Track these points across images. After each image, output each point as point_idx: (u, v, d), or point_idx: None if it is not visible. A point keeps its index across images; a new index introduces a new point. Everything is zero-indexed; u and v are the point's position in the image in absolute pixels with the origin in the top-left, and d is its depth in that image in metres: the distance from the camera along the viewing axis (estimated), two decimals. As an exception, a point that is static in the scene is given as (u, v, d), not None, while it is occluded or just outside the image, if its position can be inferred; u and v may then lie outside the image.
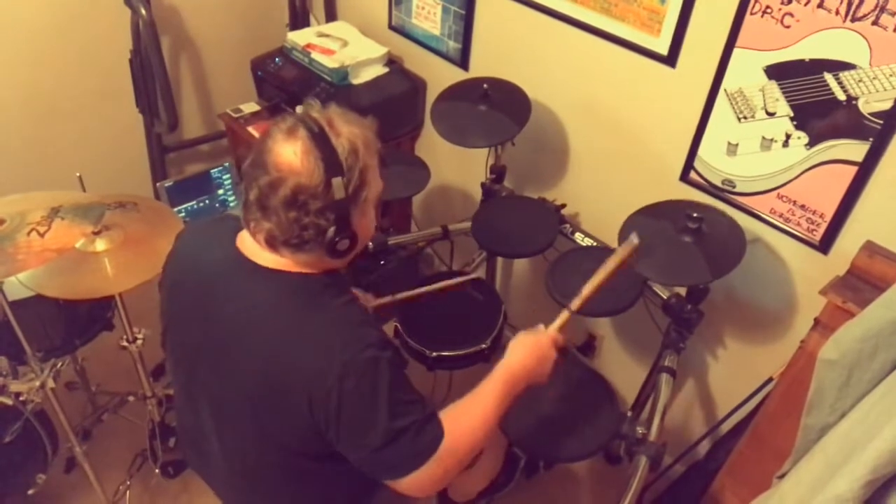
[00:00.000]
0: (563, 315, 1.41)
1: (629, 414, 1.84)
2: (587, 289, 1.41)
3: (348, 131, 1.08)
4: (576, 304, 1.41)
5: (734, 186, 1.67)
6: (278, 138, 1.06)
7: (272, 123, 1.11)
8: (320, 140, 1.04)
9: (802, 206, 1.56)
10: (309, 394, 1.06)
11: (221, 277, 1.16)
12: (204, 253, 1.21)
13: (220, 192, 2.57)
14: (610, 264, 1.41)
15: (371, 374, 1.05)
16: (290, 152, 1.04)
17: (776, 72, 1.49)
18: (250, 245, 1.14)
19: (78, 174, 1.70)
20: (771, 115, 1.54)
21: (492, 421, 1.20)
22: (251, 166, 1.09)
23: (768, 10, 1.45)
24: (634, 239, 1.43)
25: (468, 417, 1.18)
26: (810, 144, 1.50)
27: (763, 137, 1.57)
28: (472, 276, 1.89)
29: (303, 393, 1.06)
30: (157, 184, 2.52)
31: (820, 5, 1.37)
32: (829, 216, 1.52)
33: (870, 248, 1.40)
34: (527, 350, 1.29)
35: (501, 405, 1.22)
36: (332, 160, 1.04)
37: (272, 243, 1.10)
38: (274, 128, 1.09)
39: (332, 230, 1.07)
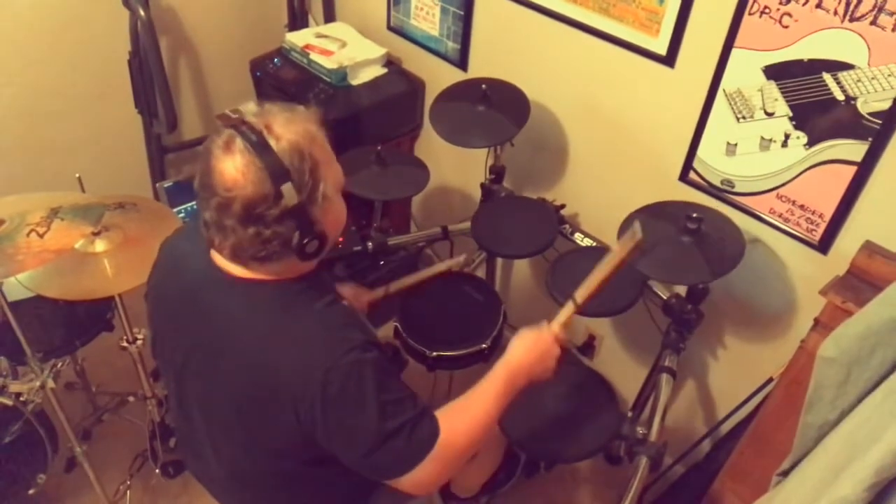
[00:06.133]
0: (568, 308, 1.38)
1: (629, 414, 1.84)
2: (591, 282, 1.39)
3: (289, 132, 1.02)
4: (580, 294, 1.38)
5: (733, 186, 1.68)
6: (217, 155, 1.01)
7: (209, 137, 1.05)
8: (260, 148, 0.99)
9: (802, 206, 1.56)
10: (294, 402, 1.05)
11: (201, 290, 1.15)
12: (184, 265, 1.20)
13: (220, 192, 2.56)
14: (614, 257, 1.39)
15: (356, 377, 1.04)
16: (231, 168, 0.99)
17: (775, 72, 1.49)
18: (221, 258, 1.12)
19: (77, 175, 1.70)
20: (770, 115, 1.54)
21: (491, 418, 1.20)
22: (200, 187, 1.04)
23: (766, 11, 1.45)
24: (638, 230, 1.39)
25: (467, 414, 1.18)
26: (809, 144, 1.50)
27: (762, 137, 1.57)
28: (459, 258, 1.90)
29: (288, 401, 1.05)
30: (157, 184, 2.52)
31: (818, 5, 1.37)
32: (828, 216, 1.52)
33: (869, 248, 1.40)
34: (528, 347, 1.28)
35: (501, 402, 1.21)
36: (277, 167, 0.99)
37: (239, 259, 1.08)
38: (211, 144, 1.03)
39: (296, 236, 1.04)
